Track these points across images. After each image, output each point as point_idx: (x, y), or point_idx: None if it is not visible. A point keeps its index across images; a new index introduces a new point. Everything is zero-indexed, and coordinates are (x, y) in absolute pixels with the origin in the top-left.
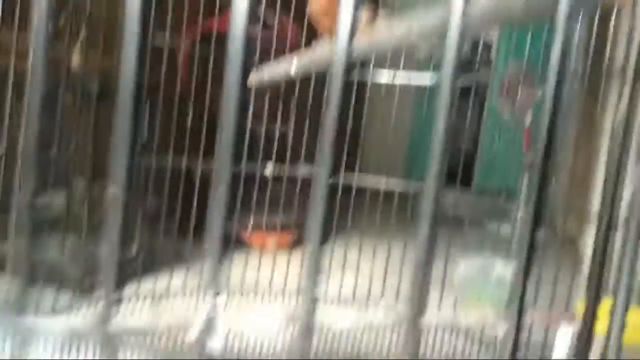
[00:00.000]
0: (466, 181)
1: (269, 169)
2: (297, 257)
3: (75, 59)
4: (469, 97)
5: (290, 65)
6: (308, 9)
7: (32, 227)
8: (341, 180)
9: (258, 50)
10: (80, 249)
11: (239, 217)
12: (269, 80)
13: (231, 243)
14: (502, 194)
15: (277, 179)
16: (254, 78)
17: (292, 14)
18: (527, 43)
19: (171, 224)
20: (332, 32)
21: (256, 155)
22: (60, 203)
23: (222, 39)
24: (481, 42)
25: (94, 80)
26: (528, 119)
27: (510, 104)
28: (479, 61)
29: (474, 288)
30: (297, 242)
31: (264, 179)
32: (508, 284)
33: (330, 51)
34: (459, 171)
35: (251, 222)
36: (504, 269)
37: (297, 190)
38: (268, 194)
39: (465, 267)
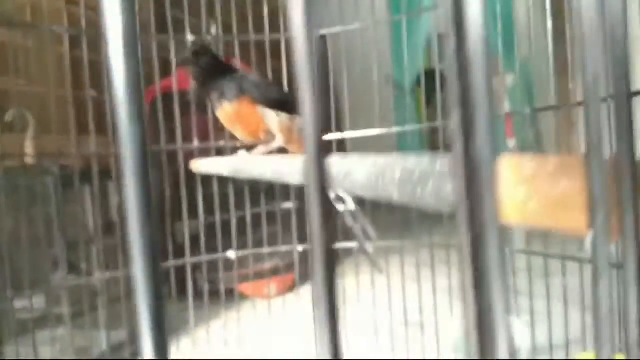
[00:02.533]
0: None
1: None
2: (303, 297)
3: (29, 149)
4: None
5: (222, 168)
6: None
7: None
8: None
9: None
10: (68, 343)
11: (233, 269)
12: (206, 172)
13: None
14: None
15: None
16: (194, 166)
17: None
18: (494, 30)
19: None
20: (242, 137)
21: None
22: (41, 303)
23: (171, 97)
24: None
25: (54, 168)
26: (506, 106)
27: None
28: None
29: None
30: (302, 280)
31: (255, 221)
32: None
33: (247, 161)
34: None
35: (245, 272)
36: None
37: (290, 227)
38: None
39: None
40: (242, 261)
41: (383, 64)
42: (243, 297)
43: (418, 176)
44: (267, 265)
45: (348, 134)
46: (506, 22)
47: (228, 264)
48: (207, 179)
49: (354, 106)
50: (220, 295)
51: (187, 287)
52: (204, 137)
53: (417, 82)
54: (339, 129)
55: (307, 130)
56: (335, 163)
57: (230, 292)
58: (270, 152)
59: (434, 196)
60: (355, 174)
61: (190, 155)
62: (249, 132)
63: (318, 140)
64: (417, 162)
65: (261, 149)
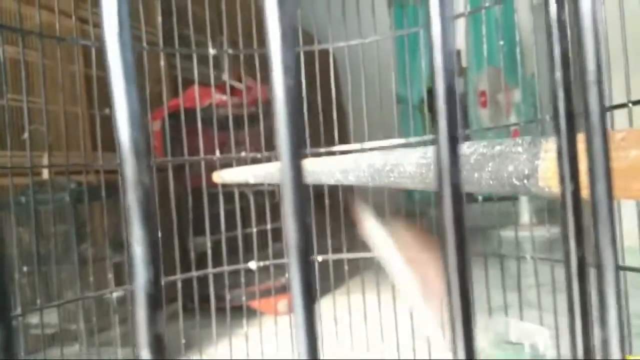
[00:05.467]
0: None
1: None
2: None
3: (44, 170)
4: None
5: (248, 175)
6: None
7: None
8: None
9: (230, 119)
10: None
11: (244, 287)
12: (230, 181)
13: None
14: (510, 199)
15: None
16: (216, 177)
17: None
18: (498, 47)
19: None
20: None
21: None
22: (54, 319)
23: (188, 113)
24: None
25: (70, 185)
26: (512, 119)
27: (492, 113)
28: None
29: None
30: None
31: (261, 239)
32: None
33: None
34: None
35: (256, 289)
36: (519, 332)
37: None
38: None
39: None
40: (262, 272)
41: (389, 80)
42: (251, 312)
43: (474, 160)
44: (280, 281)
45: (353, 147)
46: (510, 38)
47: (247, 276)
48: (228, 194)
49: (359, 120)
50: (242, 309)
51: (210, 299)
52: (222, 151)
53: (425, 97)
54: (343, 141)
55: None
56: (379, 156)
57: (240, 308)
58: None
59: (493, 178)
60: (403, 166)
61: (210, 170)
62: None
63: None
64: (472, 147)
65: None
